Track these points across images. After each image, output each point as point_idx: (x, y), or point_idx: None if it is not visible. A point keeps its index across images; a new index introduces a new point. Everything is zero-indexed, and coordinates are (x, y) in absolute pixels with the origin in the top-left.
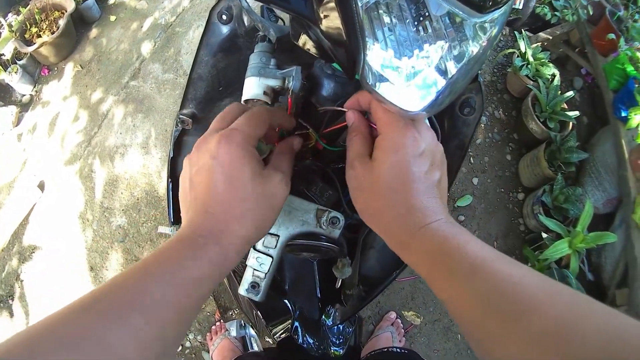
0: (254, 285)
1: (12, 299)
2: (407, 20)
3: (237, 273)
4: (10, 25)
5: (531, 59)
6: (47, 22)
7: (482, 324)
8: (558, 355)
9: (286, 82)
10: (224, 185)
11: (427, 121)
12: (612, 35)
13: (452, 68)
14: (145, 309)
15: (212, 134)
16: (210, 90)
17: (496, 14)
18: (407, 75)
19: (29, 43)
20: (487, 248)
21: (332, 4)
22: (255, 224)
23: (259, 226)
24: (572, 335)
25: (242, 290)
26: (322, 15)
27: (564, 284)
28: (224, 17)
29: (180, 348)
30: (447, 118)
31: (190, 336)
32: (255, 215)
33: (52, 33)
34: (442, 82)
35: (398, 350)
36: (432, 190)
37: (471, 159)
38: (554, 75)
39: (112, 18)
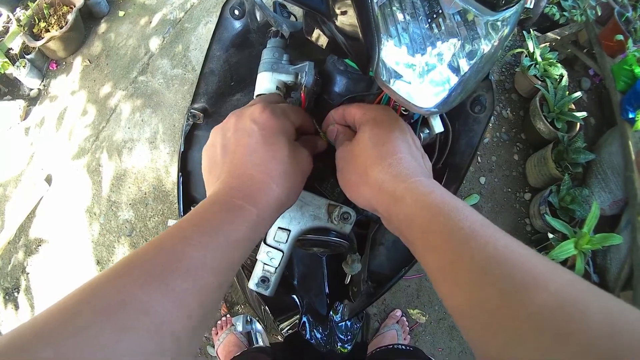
0: (264, 280)
1: (18, 292)
2: (420, 17)
3: (246, 267)
4: (18, 20)
5: (539, 59)
6: (55, 17)
7: (480, 294)
8: (561, 334)
9: (299, 77)
10: (264, 147)
11: (438, 118)
12: (620, 37)
13: (464, 65)
14: (185, 273)
15: (251, 105)
16: (221, 85)
17: (508, 12)
18: (420, 72)
19: (37, 37)
20: (482, 216)
21: (348, 1)
22: (290, 186)
23: (292, 190)
24: (576, 314)
25: (252, 284)
26: (337, 12)
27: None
28: (237, 12)
29: None
30: (458, 116)
31: None
32: (290, 177)
33: (61, 28)
34: (454, 80)
35: (403, 347)
36: (419, 158)
37: (479, 158)
38: (562, 76)
39: (121, 13)
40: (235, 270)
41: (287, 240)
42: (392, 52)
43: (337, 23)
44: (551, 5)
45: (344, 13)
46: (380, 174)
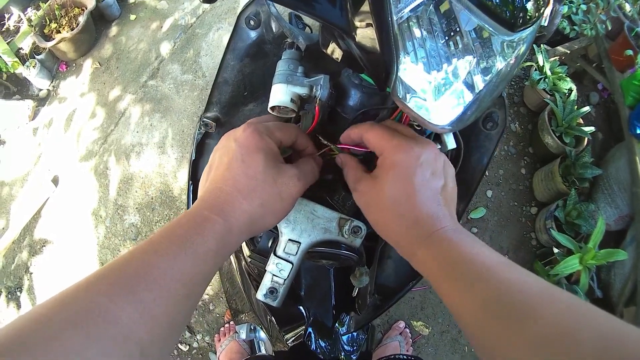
0: (272, 291)
1: (20, 291)
2: (437, 34)
3: (252, 276)
4: (29, 20)
5: (549, 73)
6: (66, 19)
7: (485, 328)
8: (556, 356)
9: (314, 90)
10: (237, 163)
11: (451, 135)
12: (629, 52)
13: (479, 83)
14: (152, 283)
15: (239, 128)
16: (235, 95)
17: (525, 32)
18: (436, 89)
19: (48, 38)
20: (490, 253)
21: (368, 17)
22: (261, 203)
23: (265, 208)
24: (570, 339)
25: (260, 295)
26: (356, 27)
27: (565, 290)
28: (252, 22)
29: (187, 348)
30: (470, 132)
31: (198, 337)
32: (262, 195)
33: (72, 29)
34: (469, 97)
35: (405, 357)
36: (436, 198)
37: (486, 171)
38: (570, 90)
39: (132, 17)
40: (206, 282)
41: (297, 253)
42: (409, 69)
43: (357, 38)
44: (562, 19)
45: (363, 29)
46: (397, 232)
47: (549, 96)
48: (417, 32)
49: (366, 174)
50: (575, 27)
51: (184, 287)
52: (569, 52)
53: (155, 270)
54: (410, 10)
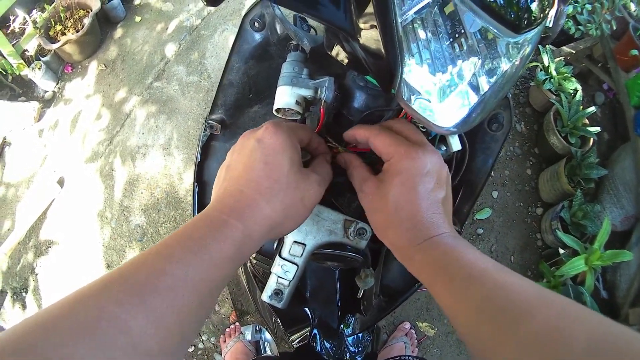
0: (277, 292)
1: (26, 292)
2: (442, 36)
3: (258, 278)
4: (34, 22)
5: (554, 73)
6: (72, 21)
7: (478, 329)
8: (546, 356)
9: (319, 92)
10: (260, 165)
11: (457, 136)
12: (635, 51)
13: (484, 85)
14: (165, 291)
15: (261, 126)
16: (240, 97)
17: (530, 34)
18: (441, 91)
19: (53, 40)
20: (484, 259)
21: (372, 19)
22: (284, 208)
23: (287, 213)
24: (561, 339)
25: (265, 297)
26: (361, 29)
27: (558, 293)
28: (257, 24)
29: (192, 349)
30: (476, 134)
31: (204, 337)
32: (285, 200)
33: (77, 31)
34: (474, 99)
35: (410, 358)
36: (437, 207)
37: (492, 172)
38: (576, 90)
39: (137, 19)
40: (219, 289)
41: (302, 254)
42: (414, 71)
43: (361, 41)
44: (567, 19)
45: (367, 31)
46: (396, 237)
47: (554, 96)
48: (421, 34)
49: (372, 175)
50: (580, 27)
51: (198, 295)
52: (574, 52)
53: (168, 278)
54: (415, 13)
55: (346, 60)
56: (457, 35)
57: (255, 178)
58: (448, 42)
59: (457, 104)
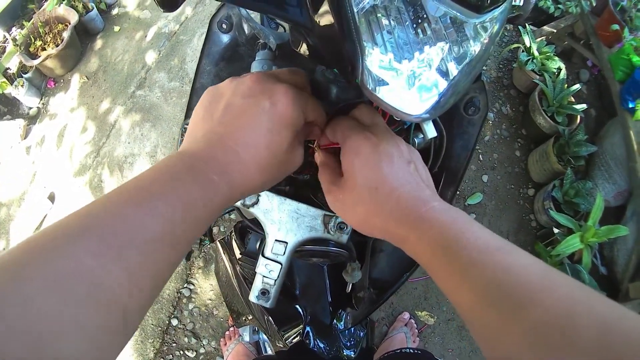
0: (264, 292)
1: None
2: (406, 23)
3: (247, 280)
4: (14, 39)
5: (536, 53)
6: (51, 35)
7: (482, 315)
8: (552, 347)
9: None
10: (266, 132)
11: (431, 123)
12: (616, 26)
13: (453, 69)
14: (143, 245)
15: (276, 82)
16: None
17: (495, 12)
18: (408, 78)
19: (33, 56)
20: (486, 236)
21: (327, 11)
22: (268, 180)
23: (266, 184)
24: (568, 325)
25: (253, 297)
26: (318, 22)
27: (566, 275)
28: (224, 25)
29: (194, 354)
30: (452, 119)
31: (204, 342)
32: (273, 172)
33: (57, 46)
34: (443, 84)
35: (411, 350)
36: (412, 177)
37: (480, 156)
38: (559, 69)
39: (116, 29)
40: (190, 246)
41: (284, 253)
42: (377, 60)
43: (319, 34)
44: None
45: (324, 24)
46: (383, 222)
47: (538, 77)
48: (383, 21)
49: (341, 177)
50: (560, 6)
51: (175, 251)
52: (555, 31)
53: (147, 232)
54: (372, 0)
55: (312, 55)
56: (420, 21)
57: (254, 143)
58: (411, 28)
59: (425, 90)
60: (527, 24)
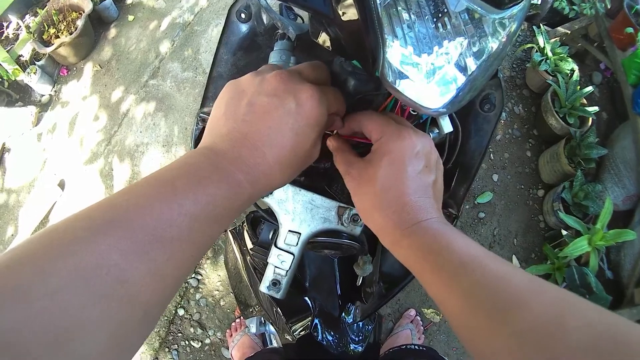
0: (275, 283)
1: None
2: (427, 17)
3: (257, 270)
4: (28, 27)
5: (550, 54)
6: (64, 23)
7: (469, 318)
8: (541, 349)
9: None
10: (290, 133)
11: (447, 118)
12: (630, 29)
13: (471, 64)
14: (169, 244)
15: (300, 81)
16: None
17: (515, 9)
18: (427, 73)
19: (47, 44)
20: (475, 246)
21: (350, 1)
22: (288, 178)
23: (286, 181)
24: (556, 330)
25: (264, 287)
26: (340, 13)
27: (551, 283)
28: (243, 15)
29: (199, 345)
30: (468, 115)
31: (210, 332)
32: (294, 170)
33: (70, 34)
34: (462, 79)
35: (416, 347)
36: (426, 190)
37: (491, 155)
38: (573, 70)
39: (130, 18)
40: (212, 243)
41: (297, 243)
42: (397, 53)
43: (341, 25)
44: (560, 0)
45: (347, 14)
46: (382, 219)
47: (551, 77)
48: (404, 14)
49: (358, 158)
50: (574, 7)
51: (198, 250)
52: (569, 32)
53: (173, 230)
54: None
55: (332, 46)
56: (440, 15)
57: (279, 144)
58: (431, 22)
59: (444, 85)
60: (541, 25)
